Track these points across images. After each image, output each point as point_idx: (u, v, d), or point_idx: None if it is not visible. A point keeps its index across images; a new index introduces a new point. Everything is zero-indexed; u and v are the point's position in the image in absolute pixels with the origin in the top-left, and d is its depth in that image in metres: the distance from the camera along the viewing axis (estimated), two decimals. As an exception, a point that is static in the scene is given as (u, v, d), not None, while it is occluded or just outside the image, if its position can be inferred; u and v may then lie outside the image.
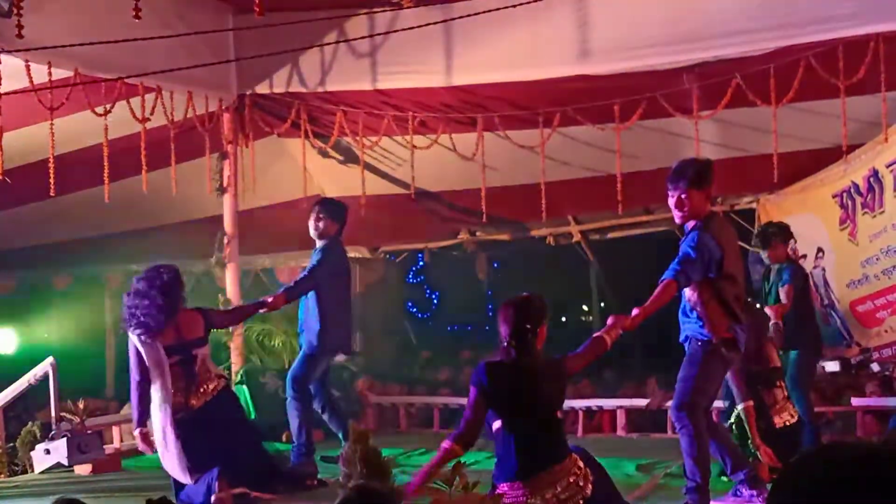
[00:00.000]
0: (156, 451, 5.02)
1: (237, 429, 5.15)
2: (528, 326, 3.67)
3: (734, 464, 4.66)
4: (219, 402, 4.99)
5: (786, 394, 5.20)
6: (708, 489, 4.39)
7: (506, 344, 3.69)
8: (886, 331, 6.98)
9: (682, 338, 4.52)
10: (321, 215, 5.86)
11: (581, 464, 3.68)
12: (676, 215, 4.45)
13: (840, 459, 1.03)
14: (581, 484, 3.62)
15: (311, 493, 5.43)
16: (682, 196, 4.38)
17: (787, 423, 5.15)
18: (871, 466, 1.00)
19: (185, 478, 4.89)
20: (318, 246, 5.92)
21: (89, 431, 6.62)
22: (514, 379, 3.65)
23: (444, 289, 11.32)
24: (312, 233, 5.89)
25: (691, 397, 4.37)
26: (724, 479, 4.80)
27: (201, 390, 4.95)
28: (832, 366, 6.94)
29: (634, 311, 4.07)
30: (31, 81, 5.63)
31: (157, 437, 4.93)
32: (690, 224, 4.47)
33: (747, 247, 6.88)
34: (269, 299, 5.59)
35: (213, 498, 4.76)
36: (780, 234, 5.91)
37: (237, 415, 5.25)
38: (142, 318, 4.83)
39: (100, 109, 6.07)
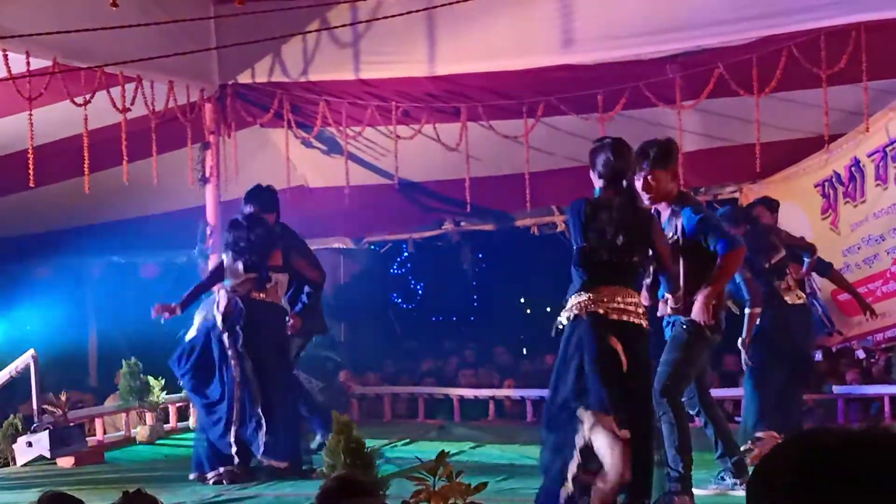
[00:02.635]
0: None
1: (278, 343, 5.73)
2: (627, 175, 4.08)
3: (724, 449, 4.68)
4: (277, 309, 5.73)
5: (796, 278, 5.82)
6: (690, 477, 4.40)
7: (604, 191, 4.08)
8: (867, 319, 7.04)
9: (664, 321, 4.52)
10: (258, 211, 5.94)
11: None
12: (644, 197, 4.46)
13: (821, 446, 1.02)
14: (640, 311, 3.97)
15: (296, 482, 5.43)
16: (648, 177, 4.39)
17: (797, 302, 5.73)
18: (852, 453, 1.00)
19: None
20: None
21: (72, 424, 6.59)
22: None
23: (429, 279, 11.32)
24: None
25: (674, 383, 4.37)
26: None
27: (267, 289, 5.65)
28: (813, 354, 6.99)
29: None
30: (9, 71, 5.56)
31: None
32: (663, 206, 4.48)
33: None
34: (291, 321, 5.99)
35: None
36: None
37: (284, 333, 5.79)
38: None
39: (79, 99, 6.01)
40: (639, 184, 4.43)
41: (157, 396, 7.33)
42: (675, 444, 4.34)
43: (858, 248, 7.02)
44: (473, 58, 6.62)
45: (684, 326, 4.38)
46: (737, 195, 8.12)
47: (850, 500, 0.97)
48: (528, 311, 11.44)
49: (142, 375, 7.32)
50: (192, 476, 5.59)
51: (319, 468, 5.06)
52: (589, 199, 4.13)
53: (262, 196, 5.98)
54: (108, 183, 6.69)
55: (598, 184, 4.13)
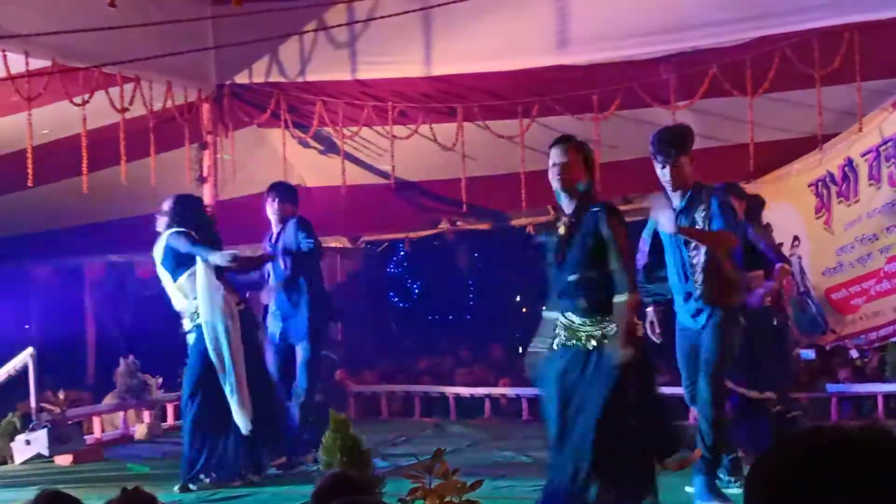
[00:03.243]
0: None
1: (258, 349, 5.74)
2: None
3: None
4: (248, 315, 5.72)
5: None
6: (718, 453, 4.50)
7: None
8: (861, 318, 7.09)
9: (693, 311, 4.51)
10: (278, 199, 6.11)
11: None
12: (668, 186, 4.48)
13: (819, 444, 1.01)
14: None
15: (292, 480, 5.46)
16: (669, 163, 4.42)
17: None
18: (851, 452, 0.99)
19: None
20: (289, 225, 6.03)
21: (70, 422, 6.61)
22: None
23: (425, 278, 11.36)
24: (273, 216, 6.14)
25: (722, 373, 4.45)
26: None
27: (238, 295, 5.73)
28: (807, 353, 7.05)
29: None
30: (8, 71, 5.59)
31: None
32: (678, 195, 4.51)
33: None
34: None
35: None
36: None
37: (258, 337, 5.85)
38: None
39: (78, 100, 6.04)
40: (658, 169, 4.44)
41: (155, 394, 7.36)
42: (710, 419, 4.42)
43: (852, 248, 7.06)
44: (469, 58, 6.66)
45: (721, 315, 4.38)
46: (731, 195, 8.17)
47: (850, 499, 0.96)
48: (524, 309, 11.47)
49: (139, 373, 7.35)
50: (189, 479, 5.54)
51: (316, 466, 5.10)
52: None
53: (281, 189, 6.18)
54: (107, 182, 6.71)
55: (584, 179, 4.03)
